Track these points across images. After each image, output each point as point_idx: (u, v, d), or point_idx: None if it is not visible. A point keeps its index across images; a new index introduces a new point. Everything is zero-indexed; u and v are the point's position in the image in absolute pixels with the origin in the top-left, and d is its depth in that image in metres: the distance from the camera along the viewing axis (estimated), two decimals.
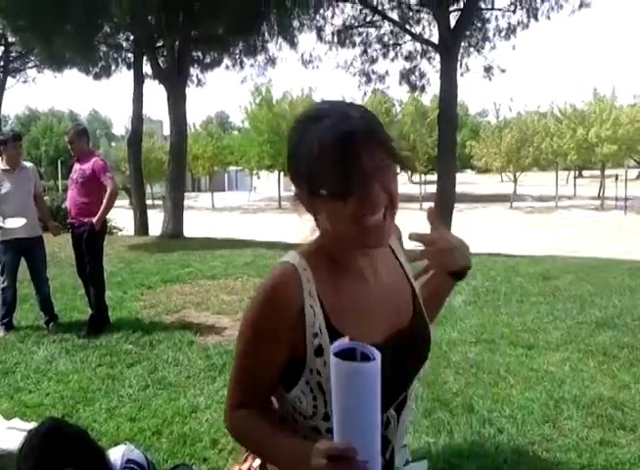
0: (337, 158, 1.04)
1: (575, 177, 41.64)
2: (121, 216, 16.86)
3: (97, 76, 17.05)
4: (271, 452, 1.17)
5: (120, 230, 16.34)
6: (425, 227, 1.32)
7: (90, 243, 5.63)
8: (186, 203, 15.56)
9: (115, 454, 2.39)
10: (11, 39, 21.35)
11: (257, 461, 2.79)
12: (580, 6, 14.67)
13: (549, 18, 15.08)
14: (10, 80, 25.16)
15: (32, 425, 3.57)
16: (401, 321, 1.21)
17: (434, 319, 1.39)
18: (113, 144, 61.31)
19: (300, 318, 1.12)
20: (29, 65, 24.73)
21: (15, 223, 5.51)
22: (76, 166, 5.71)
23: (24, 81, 26.14)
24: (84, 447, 2.20)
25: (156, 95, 18.49)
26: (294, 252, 1.19)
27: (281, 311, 1.12)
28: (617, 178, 31.48)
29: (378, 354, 0.95)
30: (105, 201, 5.57)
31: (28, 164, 5.92)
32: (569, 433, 3.44)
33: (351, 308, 1.16)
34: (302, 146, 1.09)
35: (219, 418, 3.66)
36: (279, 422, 1.23)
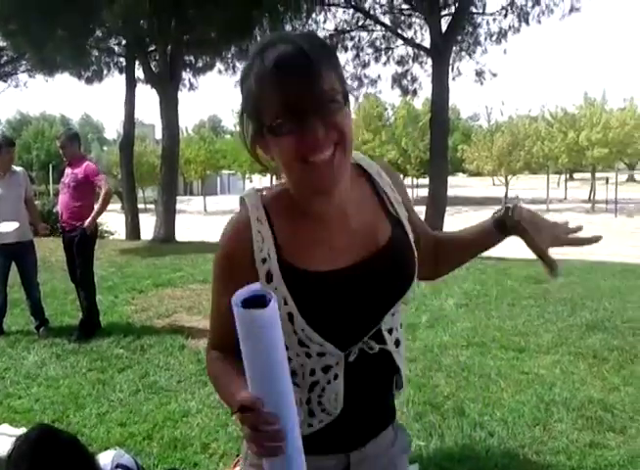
0: (269, 89, 0.99)
1: (567, 180, 41.86)
2: (113, 220, 16.81)
3: (89, 81, 17.00)
4: (221, 395, 1.15)
5: (112, 234, 16.29)
6: None
7: (81, 247, 5.61)
8: (178, 207, 15.53)
9: (105, 459, 2.38)
10: (2, 44, 21.24)
11: (249, 467, 2.79)
12: (571, 10, 14.80)
13: (540, 22, 15.21)
14: (1, 85, 25.03)
15: (22, 431, 3.56)
16: (370, 249, 1.15)
17: (459, 264, 1.45)
18: (105, 148, 61.12)
19: (251, 250, 1.11)
20: (21, 69, 24.60)
21: (8, 227, 5.49)
22: (68, 171, 5.69)
23: (16, 86, 26.00)
24: (75, 453, 2.19)
25: (148, 99, 18.52)
26: (253, 189, 1.20)
27: (234, 244, 1.13)
28: (607, 181, 31.67)
29: (274, 300, 0.90)
30: (100, 200, 5.55)
31: (18, 168, 5.90)
32: (559, 435, 3.45)
33: (306, 244, 1.12)
34: (245, 81, 1.05)
35: (210, 423, 3.66)
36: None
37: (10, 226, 5.50)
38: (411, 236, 1.22)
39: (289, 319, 1.08)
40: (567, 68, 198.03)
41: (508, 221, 1.30)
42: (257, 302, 0.90)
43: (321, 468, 1.17)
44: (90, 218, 5.52)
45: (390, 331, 1.18)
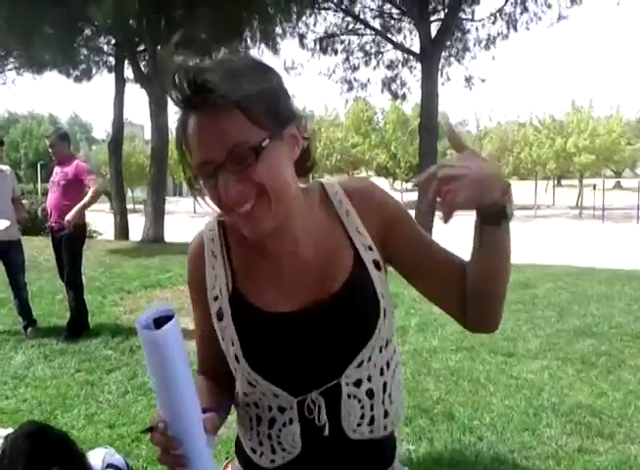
0: (187, 146, 0.96)
1: (554, 186, 42.23)
2: (101, 221, 16.71)
3: (77, 79, 16.91)
4: None
5: (100, 234, 16.20)
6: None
7: (69, 246, 5.56)
8: (167, 207, 15.48)
9: (96, 458, 2.36)
10: None
11: (235, 463, 2.78)
12: (559, 18, 14.95)
13: (528, 29, 15.34)
14: None
15: (10, 431, 3.52)
16: (324, 292, 1.05)
17: (504, 275, 1.07)
18: (93, 147, 60.78)
19: (204, 285, 1.09)
20: (8, 67, 24.43)
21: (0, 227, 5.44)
22: (57, 169, 5.65)
23: (3, 83, 25.78)
24: (68, 448, 2.19)
25: (137, 98, 18.41)
26: (215, 218, 1.14)
27: (192, 276, 1.14)
28: (594, 188, 31.97)
29: (173, 320, 0.88)
30: (87, 196, 5.49)
31: (5, 167, 5.85)
32: (547, 440, 3.47)
33: (262, 279, 1.07)
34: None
35: None
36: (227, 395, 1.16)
37: (1, 224, 5.45)
38: (376, 277, 1.07)
39: (235, 360, 1.05)
40: (555, 75, 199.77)
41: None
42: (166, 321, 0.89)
43: None
44: (73, 212, 5.40)
45: (358, 383, 1.06)
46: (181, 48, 1.18)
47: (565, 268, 9.44)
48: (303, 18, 15.55)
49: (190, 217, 32.08)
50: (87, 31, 15.28)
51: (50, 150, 5.71)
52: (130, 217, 16.36)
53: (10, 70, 24.61)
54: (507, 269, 1.06)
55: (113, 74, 16.30)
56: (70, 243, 5.56)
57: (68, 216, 5.40)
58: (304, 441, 1.07)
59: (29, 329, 5.62)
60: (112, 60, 16.72)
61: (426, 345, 5.29)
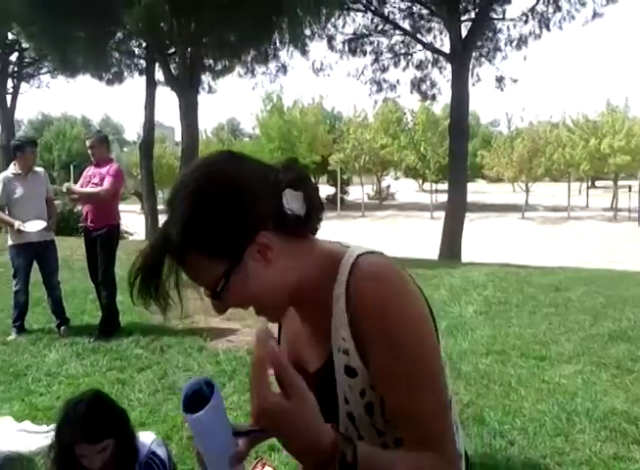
0: None
1: (588, 188, 41.44)
2: (133, 221, 16.95)
3: (109, 82, 17.18)
4: None
5: (132, 235, 16.41)
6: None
7: (104, 247, 5.66)
8: None
9: (144, 439, 2.38)
10: (25, 45, 21.58)
11: (267, 469, 2.78)
12: (594, 16, 14.66)
13: (561, 28, 15.08)
14: (24, 86, 25.42)
15: (44, 428, 3.59)
16: (312, 365, 1.07)
17: None
18: (124, 149, 61.71)
19: None
20: (43, 70, 24.98)
21: (34, 227, 5.55)
22: (93, 171, 5.76)
23: (38, 87, 26.41)
24: (123, 424, 2.25)
25: (168, 101, 18.62)
26: None
27: None
28: (630, 189, 31.28)
29: (213, 398, 0.94)
30: (94, 189, 5.63)
31: (39, 168, 5.97)
32: (581, 446, 3.40)
33: (294, 341, 1.15)
34: None
35: None
36: None
37: (36, 225, 5.56)
38: (342, 382, 1.00)
39: None
40: (589, 74, 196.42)
41: None
42: (200, 396, 0.97)
43: None
44: (77, 192, 5.77)
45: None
46: (211, 50, 1.18)
47: (599, 271, 9.26)
48: (332, 19, 15.54)
49: None
50: (119, 35, 15.50)
51: (90, 151, 5.83)
52: (161, 218, 16.54)
53: (44, 73, 25.23)
54: None
55: (143, 77, 16.52)
56: (105, 243, 5.66)
57: (68, 186, 5.88)
58: None
59: (63, 328, 5.73)
60: (143, 63, 16.95)
61: (456, 348, 5.23)
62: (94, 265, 5.77)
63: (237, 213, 0.96)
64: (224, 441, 1.00)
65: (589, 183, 43.38)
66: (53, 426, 3.58)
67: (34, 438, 3.49)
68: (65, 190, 5.83)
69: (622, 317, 6.22)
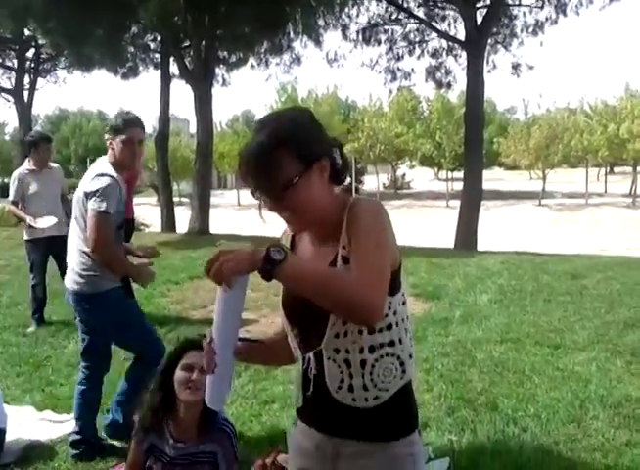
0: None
1: (607, 174, 40.90)
2: (149, 213, 17.10)
3: (125, 76, 17.28)
4: None
5: (148, 227, 16.57)
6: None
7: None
8: (212, 200, 15.70)
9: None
10: (41, 41, 21.76)
11: (282, 456, 2.84)
12: (611, 0, 14.41)
13: (578, 13, 14.84)
14: (40, 81, 25.63)
15: (64, 417, 3.68)
16: None
17: (319, 300, 1.39)
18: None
19: None
20: (59, 65, 25.16)
21: (46, 223, 5.64)
22: None
23: (54, 82, 26.62)
24: None
25: (183, 94, 18.69)
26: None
27: None
28: None
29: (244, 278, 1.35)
30: None
31: (54, 164, 6.04)
32: (594, 433, 3.41)
33: (298, 252, 1.55)
34: None
35: (244, 413, 3.72)
36: None
37: (48, 222, 5.65)
38: (339, 267, 1.42)
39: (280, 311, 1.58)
40: (607, 59, 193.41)
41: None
42: None
43: (313, 437, 1.52)
44: None
45: (337, 351, 1.42)
46: (225, 43, 1.49)
47: (616, 258, 9.18)
48: (346, 9, 15.47)
49: (235, 210, 32.49)
50: (134, 29, 15.58)
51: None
52: (177, 210, 16.66)
53: (61, 68, 25.40)
54: (318, 295, 1.33)
55: (158, 71, 16.58)
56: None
57: None
58: (304, 390, 1.48)
59: None
60: (157, 56, 17.01)
61: (470, 336, 5.25)
62: None
63: (319, 133, 1.46)
64: (236, 325, 1.45)
65: (607, 169, 42.82)
66: (73, 415, 3.69)
67: (55, 427, 3.59)
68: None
69: (639, 305, 6.18)
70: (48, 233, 5.67)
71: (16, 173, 5.84)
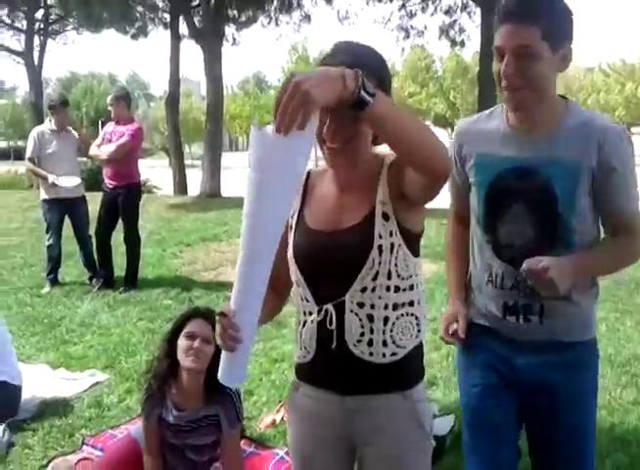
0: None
1: None
2: (161, 176, 17.11)
3: (134, 37, 17.10)
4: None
5: (160, 190, 16.59)
6: None
7: (126, 206, 5.76)
8: (223, 162, 15.66)
9: None
10: (50, 1, 21.46)
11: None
12: None
13: None
14: (50, 43, 25.37)
15: (77, 374, 3.76)
16: (346, 222, 1.42)
17: (403, 146, 1.24)
18: (151, 104, 61.72)
19: None
20: (69, 27, 24.87)
21: (69, 182, 5.67)
22: (115, 128, 5.80)
23: (64, 43, 26.35)
24: None
25: (193, 55, 18.46)
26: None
27: None
28: None
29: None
30: (115, 145, 5.65)
31: (70, 128, 6.06)
32: (601, 391, 3.39)
33: (316, 205, 1.49)
34: None
35: (254, 371, 3.76)
36: None
37: (71, 181, 5.68)
38: (379, 224, 1.38)
39: (290, 259, 1.47)
40: (627, 16, 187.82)
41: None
42: None
43: (321, 399, 1.49)
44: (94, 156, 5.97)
45: (361, 305, 1.39)
46: (235, 1, 1.33)
47: None
48: None
49: (246, 172, 32.41)
50: None
51: (110, 108, 5.88)
52: (188, 172, 16.66)
53: (70, 30, 25.11)
54: (410, 134, 1.21)
55: (168, 31, 16.35)
56: (128, 202, 5.75)
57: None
58: (319, 344, 1.44)
59: (94, 280, 5.90)
60: (167, 16, 16.75)
61: None
62: (111, 223, 5.86)
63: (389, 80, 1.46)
64: (282, 217, 1.23)
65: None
66: (87, 373, 3.77)
67: (69, 384, 3.66)
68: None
69: None
70: (65, 194, 5.70)
71: (35, 131, 5.86)
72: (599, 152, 1.53)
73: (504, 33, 1.57)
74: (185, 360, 2.29)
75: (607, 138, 1.54)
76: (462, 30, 16.24)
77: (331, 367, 1.44)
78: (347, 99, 1.10)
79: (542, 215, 1.61)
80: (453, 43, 16.97)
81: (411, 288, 1.43)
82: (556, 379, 1.66)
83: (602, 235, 1.71)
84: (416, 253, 1.44)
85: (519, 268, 1.55)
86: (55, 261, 5.88)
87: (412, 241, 1.42)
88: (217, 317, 1.29)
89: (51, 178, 5.59)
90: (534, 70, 1.52)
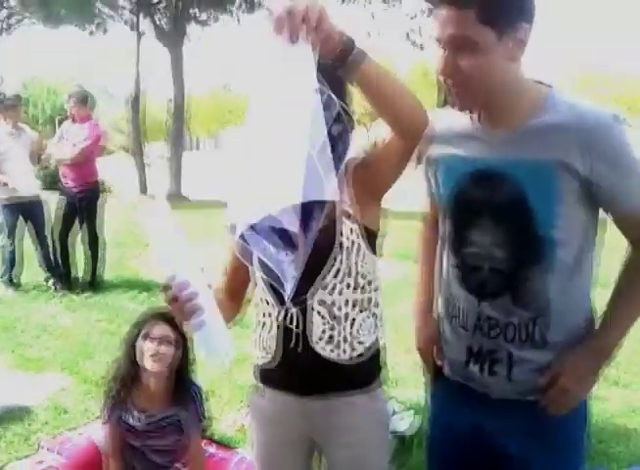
0: None
1: None
2: (120, 175, 16.81)
3: (94, 34, 16.75)
4: None
5: (110, 192, 16.27)
6: None
7: (86, 207, 5.67)
8: (185, 161, 15.49)
9: None
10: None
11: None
12: None
13: None
14: (8, 39, 24.66)
15: (35, 378, 3.66)
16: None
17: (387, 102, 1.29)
18: (111, 103, 60.69)
19: None
20: (25, 22, 24.24)
21: (20, 183, 5.51)
22: (71, 128, 5.69)
23: (23, 40, 25.69)
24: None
25: (155, 53, 18.21)
26: None
27: None
28: None
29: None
30: (79, 149, 5.54)
31: (23, 125, 5.90)
32: None
33: None
34: None
35: (216, 371, 3.71)
36: None
37: (22, 182, 5.52)
38: (340, 229, 1.39)
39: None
40: None
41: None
42: None
43: (283, 401, 1.49)
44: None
45: (322, 303, 1.40)
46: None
47: None
48: None
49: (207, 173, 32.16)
50: None
51: (67, 108, 5.77)
52: (147, 172, 16.36)
53: (27, 25, 24.47)
54: (393, 94, 1.26)
55: (129, 29, 16.09)
56: (87, 202, 5.67)
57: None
58: (280, 345, 1.43)
59: (51, 281, 5.76)
60: (128, 14, 16.49)
61: None
62: (70, 225, 5.74)
63: None
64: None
65: None
66: (45, 376, 3.66)
67: (26, 387, 3.56)
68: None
69: None
70: (19, 194, 5.54)
71: None
72: (586, 148, 1.21)
73: (437, 22, 1.23)
74: (147, 363, 2.25)
75: (595, 131, 1.22)
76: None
77: (294, 368, 1.45)
78: (338, 44, 1.17)
79: (514, 230, 1.30)
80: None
81: (370, 285, 1.45)
82: (529, 456, 1.35)
83: (601, 243, 1.38)
84: (375, 252, 1.46)
85: (488, 299, 1.32)
86: (10, 262, 5.73)
87: (372, 240, 1.44)
88: (161, 293, 1.21)
89: (2, 179, 5.44)
90: (475, 64, 1.20)
